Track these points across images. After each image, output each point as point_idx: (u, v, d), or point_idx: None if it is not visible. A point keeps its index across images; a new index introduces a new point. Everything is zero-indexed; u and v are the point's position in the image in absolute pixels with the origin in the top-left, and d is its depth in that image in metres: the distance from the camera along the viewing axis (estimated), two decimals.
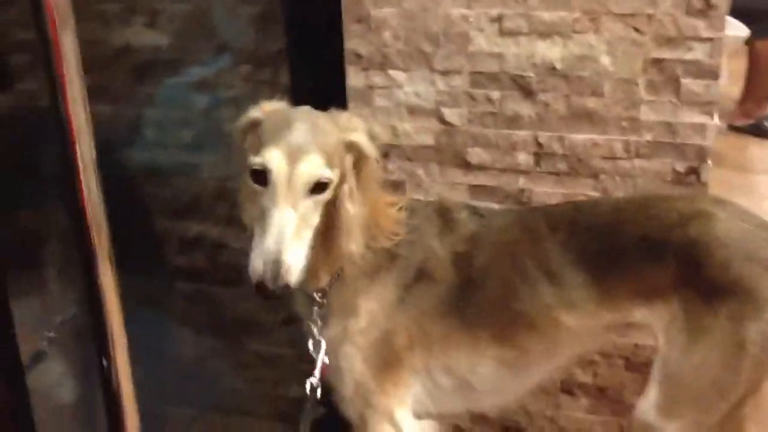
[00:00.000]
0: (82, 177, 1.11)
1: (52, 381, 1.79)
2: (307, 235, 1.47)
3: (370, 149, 1.57)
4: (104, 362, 1.17)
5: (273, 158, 1.44)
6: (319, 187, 1.47)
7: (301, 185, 1.45)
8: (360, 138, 1.56)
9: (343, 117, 1.60)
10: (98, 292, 1.16)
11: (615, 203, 1.66)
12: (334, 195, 1.53)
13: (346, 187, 1.54)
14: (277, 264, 1.39)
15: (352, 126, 1.57)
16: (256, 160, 1.46)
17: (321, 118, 1.55)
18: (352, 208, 1.55)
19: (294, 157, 1.44)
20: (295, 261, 1.42)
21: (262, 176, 1.46)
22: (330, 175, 1.48)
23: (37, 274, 1.87)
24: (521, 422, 2.29)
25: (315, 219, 1.49)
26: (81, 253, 1.14)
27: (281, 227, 1.42)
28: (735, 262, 1.49)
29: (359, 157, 1.57)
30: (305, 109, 1.57)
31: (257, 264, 1.40)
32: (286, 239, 1.41)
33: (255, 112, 1.56)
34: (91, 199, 1.13)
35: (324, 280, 1.64)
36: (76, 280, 1.20)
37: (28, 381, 1.35)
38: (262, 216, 1.45)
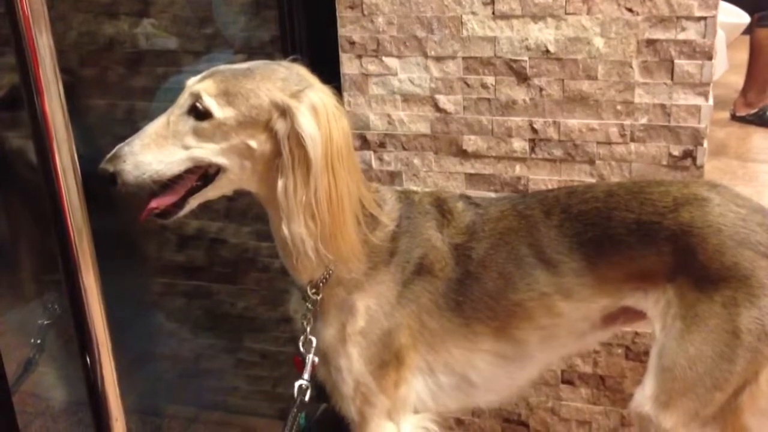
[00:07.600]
0: (61, 180, 1.10)
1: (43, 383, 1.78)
2: (176, 154, 1.43)
3: (304, 123, 1.41)
4: (88, 362, 1.17)
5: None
6: (198, 112, 1.42)
7: (184, 100, 1.45)
8: (296, 108, 1.42)
9: (308, 87, 1.46)
10: (81, 296, 1.15)
11: (608, 188, 1.62)
12: (269, 164, 1.46)
13: (284, 160, 1.43)
14: (118, 150, 1.41)
15: (302, 96, 1.43)
16: None
17: (270, 70, 1.48)
18: (281, 184, 1.44)
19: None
20: (134, 156, 1.40)
21: None
22: (211, 106, 1.42)
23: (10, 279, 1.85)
24: (522, 414, 2.27)
25: (193, 145, 1.43)
26: (63, 258, 1.13)
27: (146, 129, 1.44)
28: (729, 248, 1.45)
29: (293, 132, 1.42)
30: (269, 61, 1.53)
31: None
32: (138, 137, 1.42)
33: None
34: (72, 203, 1.12)
35: (316, 271, 1.57)
36: (55, 280, 1.19)
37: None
38: None
